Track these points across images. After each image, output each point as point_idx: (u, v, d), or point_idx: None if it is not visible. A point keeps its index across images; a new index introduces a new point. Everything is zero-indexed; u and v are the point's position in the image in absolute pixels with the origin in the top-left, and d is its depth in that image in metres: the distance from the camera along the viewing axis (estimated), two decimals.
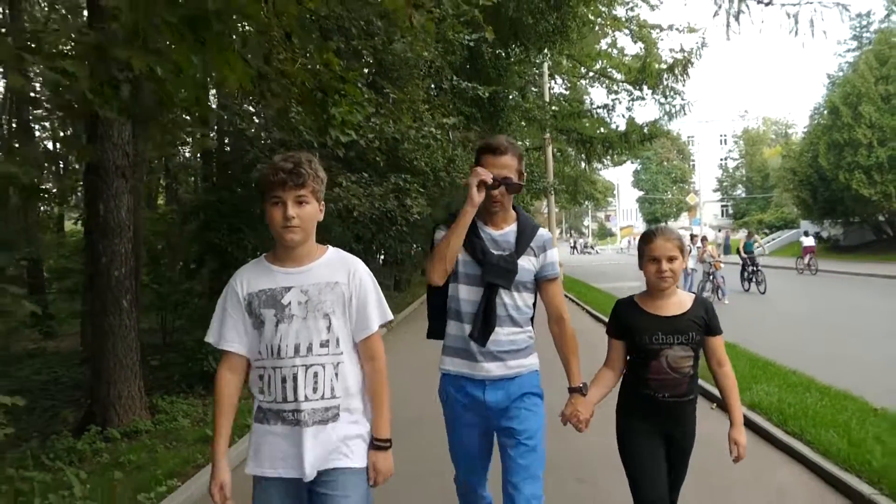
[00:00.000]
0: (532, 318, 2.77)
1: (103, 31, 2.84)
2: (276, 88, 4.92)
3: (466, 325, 2.63)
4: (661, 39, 38.52)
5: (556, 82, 26.88)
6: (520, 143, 17.88)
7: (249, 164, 8.60)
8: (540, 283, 2.73)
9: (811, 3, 7.24)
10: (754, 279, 17.81)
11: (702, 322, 2.61)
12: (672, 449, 2.68)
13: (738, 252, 17.69)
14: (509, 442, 2.61)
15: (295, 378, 2.10)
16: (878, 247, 30.69)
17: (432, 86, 11.20)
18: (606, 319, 2.88)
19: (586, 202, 45.06)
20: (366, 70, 8.85)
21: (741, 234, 51.68)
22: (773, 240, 42.07)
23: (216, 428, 2.21)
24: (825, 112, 30.84)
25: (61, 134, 14.53)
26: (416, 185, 9.67)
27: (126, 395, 6.73)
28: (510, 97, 14.05)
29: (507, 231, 2.70)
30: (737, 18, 7.50)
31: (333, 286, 2.16)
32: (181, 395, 7.70)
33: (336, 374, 2.15)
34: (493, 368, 2.61)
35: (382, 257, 15.20)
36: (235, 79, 3.29)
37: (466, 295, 2.64)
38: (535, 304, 2.77)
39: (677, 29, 23.44)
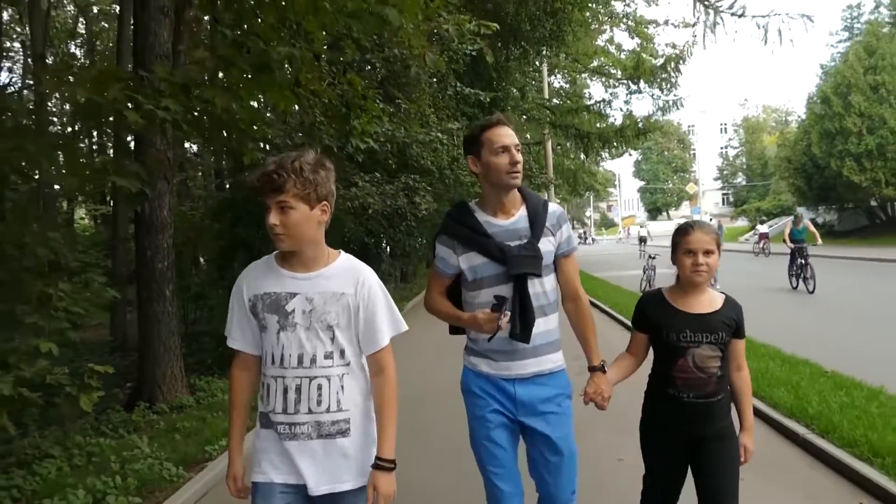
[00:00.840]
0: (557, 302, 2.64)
1: (190, 75, 3.66)
2: (305, 105, 5.73)
3: None
4: (658, 34, 39.27)
5: (555, 77, 27.67)
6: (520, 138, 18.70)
7: None
8: (557, 260, 2.61)
9: (779, 14, 7.98)
10: (803, 274, 14.82)
11: (732, 323, 2.53)
12: (702, 451, 2.55)
13: (784, 241, 15.26)
14: (546, 448, 2.53)
15: (298, 389, 2.03)
16: (872, 231, 31.47)
17: (437, 92, 12.02)
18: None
19: (587, 193, 45.83)
20: (378, 78, 9.66)
21: (740, 223, 52.53)
22: (771, 227, 42.93)
23: (230, 425, 2.19)
24: (818, 101, 31.57)
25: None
26: (423, 184, 10.53)
27: (170, 375, 7.58)
28: (510, 97, 14.82)
29: (517, 217, 2.55)
30: (713, 30, 8.28)
31: (339, 297, 2.05)
32: (216, 376, 8.55)
33: (342, 387, 2.06)
34: (527, 365, 2.52)
35: (389, 249, 16.03)
36: (284, 105, 4.12)
37: (485, 298, 2.48)
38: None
39: (672, 24, 24.26)
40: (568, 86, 29.26)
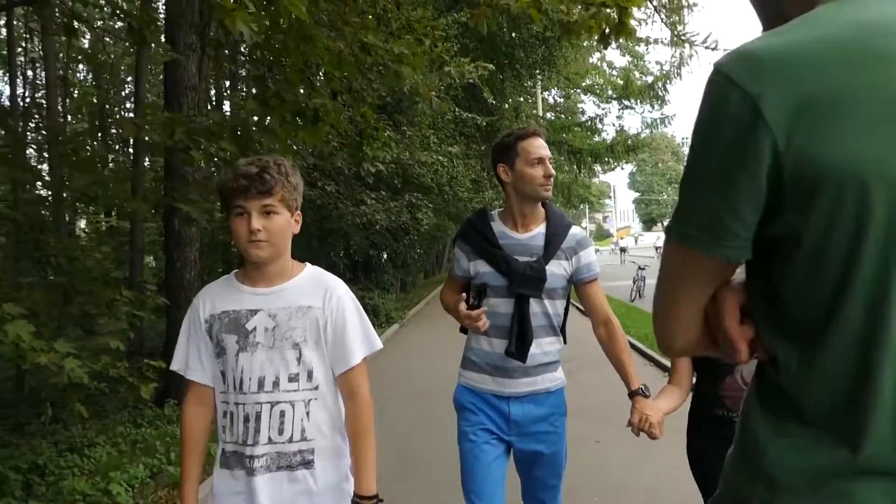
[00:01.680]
0: (563, 326, 2.57)
1: (242, 121, 4.50)
2: (324, 135, 6.54)
3: (495, 339, 2.44)
4: (648, 52, 40.32)
5: (549, 93, 28.58)
6: None
7: None
8: (578, 286, 2.53)
9: None
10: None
11: None
12: None
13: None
14: (537, 464, 2.51)
15: (258, 417, 1.82)
16: None
17: (437, 116, 12.93)
18: None
19: (581, 205, 46.74)
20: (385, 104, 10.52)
21: None
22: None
23: (182, 469, 1.95)
24: None
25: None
26: (425, 202, 11.41)
27: None
28: (505, 117, 15.71)
29: (535, 233, 2.49)
30: (688, 62, 9.16)
31: (306, 311, 1.87)
32: None
33: (307, 413, 1.86)
34: (523, 384, 2.45)
35: (390, 261, 16.91)
36: (314, 141, 4.95)
37: (494, 307, 2.43)
38: (566, 311, 2.58)
39: (662, 42, 25.21)
40: (562, 100, 30.19)
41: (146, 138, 4.09)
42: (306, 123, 4.59)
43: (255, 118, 4.52)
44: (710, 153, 0.84)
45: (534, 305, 2.43)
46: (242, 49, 7.59)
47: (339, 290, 1.94)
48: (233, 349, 1.85)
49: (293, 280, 1.91)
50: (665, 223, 1.17)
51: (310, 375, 1.86)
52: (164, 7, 7.90)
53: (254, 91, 7.19)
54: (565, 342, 2.60)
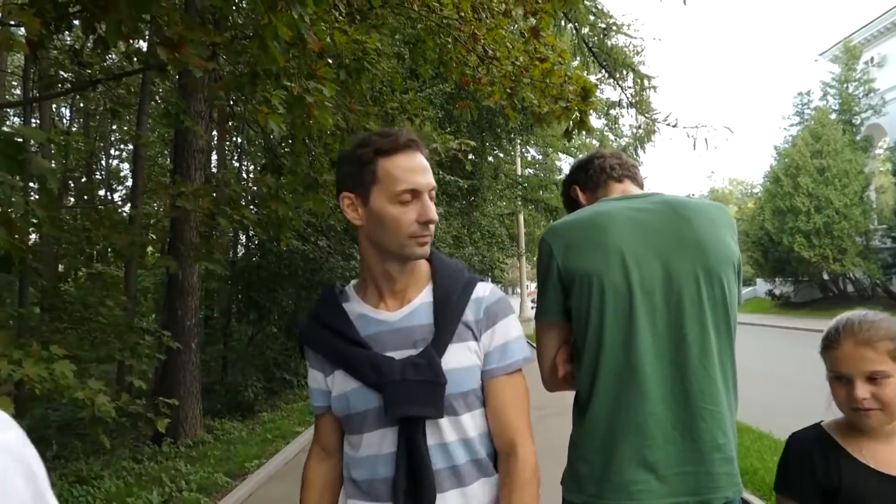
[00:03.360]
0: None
1: (261, 192, 5.30)
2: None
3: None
4: (622, 116, 41.98)
5: (527, 151, 29.75)
6: (493, 209, 20.53)
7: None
8: (485, 381, 1.53)
9: (705, 126, 9.88)
10: None
11: None
12: None
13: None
14: None
15: None
16: (825, 304, 33.46)
17: None
18: None
19: None
20: None
21: None
22: None
23: None
24: (769, 181, 34.12)
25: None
26: None
27: (191, 416, 8.95)
28: (485, 178, 16.65)
29: (415, 306, 1.54)
30: (650, 138, 10.20)
31: None
32: (225, 419, 9.92)
33: None
34: None
35: None
36: (319, 210, 5.75)
37: (366, 451, 1.51)
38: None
39: (635, 107, 26.58)
40: (541, 157, 31.36)
41: (177, 205, 4.83)
42: (313, 193, 5.37)
43: (269, 187, 5.32)
44: (540, 272, 1.80)
45: (432, 434, 1.47)
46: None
47: None
48: None
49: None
50: None
51: None
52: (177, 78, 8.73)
53: (263, 161, 8.02)
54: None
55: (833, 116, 33.71)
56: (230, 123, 7.50)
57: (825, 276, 33.76)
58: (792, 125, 38.08)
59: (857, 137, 32.60)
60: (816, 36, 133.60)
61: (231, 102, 6.65)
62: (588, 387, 1.70)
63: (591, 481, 1.66)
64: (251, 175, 12.41)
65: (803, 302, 36.02)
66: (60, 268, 11.74)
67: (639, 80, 12.90)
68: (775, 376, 12.52)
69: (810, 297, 35.85)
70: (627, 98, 11.74)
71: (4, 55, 13.41)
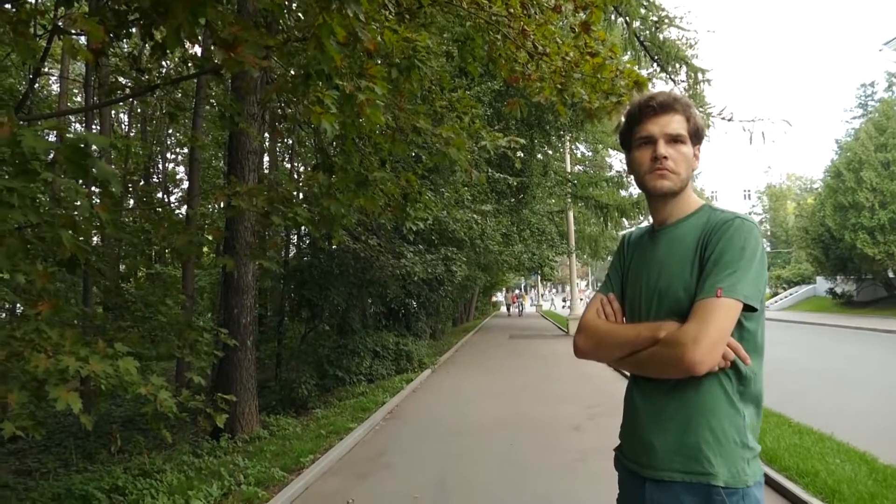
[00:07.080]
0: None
1: (312, 190, 5.37)
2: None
3: None
4: None
5: (576, 148, 29.49)
6: (543, 206, 20.35)
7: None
8: None
9: (762, 120, 9.62)
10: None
11: None
12: None
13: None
14: None
15: None
16: (891, 302, 32.25)
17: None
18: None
19: (609, 256, 47.19)
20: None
21: None
22: (790, 294, 43.79)
23: None
24: (830, 176, 32.98)
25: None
26: (460, 255, 12.24)
27: (247, 412, 9.14)
28: (534, 175, 16.57)
29: None
30: (706, 130, 9.92)
31: None
32: (279, 415, 10.10)
33: None
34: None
35: (415, 305, 17.73)
36: (371, 208, 5.79)
37: None
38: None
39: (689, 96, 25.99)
40: (590, 154, 31.05)
41: (232, 204, 4.93)
42: (364, 191, 5.43)
43: (321, 185, 5.38)
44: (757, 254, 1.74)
45: None
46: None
47: None
48: None
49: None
50: None
51: None
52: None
53: (314, 161, 8.15)
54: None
55: None
56: (281, 125, 7.61)
57: (890, 274, 32.50)
58: (854, 118, 37.01)
59: None
60: (880, 25, 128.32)
61: (282, 104, 6.76)
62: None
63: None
64: (302, 175, 12.67)
65: (867, 301, 34.78)
66: (122, 268, 12.16)
67: (692, 74, 12.66)
68: (841, 377, 12.16)
69: (874, 296, 34.60)
70: (681, 92, 11.49)
71: (67, 64, 14.01)
